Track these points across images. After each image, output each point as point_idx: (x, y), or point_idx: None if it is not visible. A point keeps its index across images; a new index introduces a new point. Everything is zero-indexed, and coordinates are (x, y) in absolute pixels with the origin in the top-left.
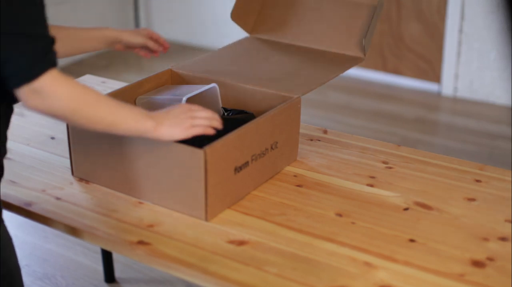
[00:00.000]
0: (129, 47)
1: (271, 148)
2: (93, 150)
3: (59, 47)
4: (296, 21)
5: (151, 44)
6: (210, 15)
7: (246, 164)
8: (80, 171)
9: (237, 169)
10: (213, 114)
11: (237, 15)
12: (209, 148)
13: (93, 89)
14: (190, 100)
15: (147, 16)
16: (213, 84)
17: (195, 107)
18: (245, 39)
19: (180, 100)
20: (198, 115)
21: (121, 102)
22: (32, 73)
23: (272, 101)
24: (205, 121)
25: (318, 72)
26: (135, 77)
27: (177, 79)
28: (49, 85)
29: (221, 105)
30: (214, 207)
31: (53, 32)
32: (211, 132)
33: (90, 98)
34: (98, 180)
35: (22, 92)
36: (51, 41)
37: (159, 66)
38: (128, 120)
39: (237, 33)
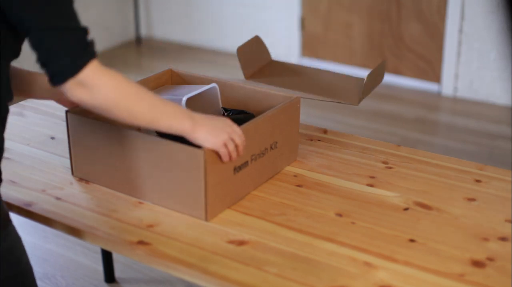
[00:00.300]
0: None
1: (271, 148)
2: (93, 150)
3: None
4: (296, 79)
5: None
6: (210, 15)
7: (245, 164)
8: (80, 171)
9: (237, 169)
10: (243, 141)
11: (242, 54)
12: (208, 148)
13: (135, 82)
14: (190, 100)
15: (147, 16)
16: (213, 84)
17: (236, 128)
18: (241, 80)
19: (180, 100)
20: (235, 137)
21: (165, 99)
22: (76, 66)
23: (272, 101)
24: (239, 139)
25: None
26: (135, 77)
27: (176, 79)
28: (93, 76)
29: (221, 105)
30: (214, 207)
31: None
32: (233, 159)
33: (133, 91)
34: (98, 180)
35: (68, 86)
36: (86, 32)
37: (159, 66)
38: (168, 117)
39: (237, 34)
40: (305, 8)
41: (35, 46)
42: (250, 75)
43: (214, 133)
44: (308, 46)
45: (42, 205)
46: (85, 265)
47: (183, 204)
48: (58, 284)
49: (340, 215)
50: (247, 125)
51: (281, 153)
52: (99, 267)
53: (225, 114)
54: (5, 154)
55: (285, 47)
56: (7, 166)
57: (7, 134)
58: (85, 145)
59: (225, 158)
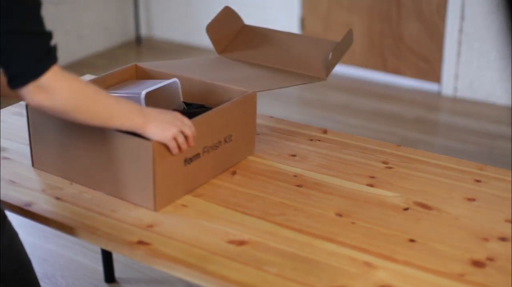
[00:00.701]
0: None
1: (225, 141)
2: (51, 142)
3: None
4: (265, 48)
5: None
6: (210, 15)
7: (197, 156)
8: (40, 162)
9: (188, 161)
10: (194, 133)
11: (213, 31)
12: (157, 140)
13: (92, 84)
14: (150, 95)
15: (147, 16)
16: (174, 79)
17: (186, 120)
18: (214, 56)
19: (139, 95)
20: (185, 129)
21: (119, 98)
22: (38, 70)
23: (232, 95)
24: (189, 133)
25: (279, 80)
26: None
27: (142, 74)
28: (54, 80)
29: (181, 99)
30: (163, 198)
31: None
32: (183, 151)
33: (90, 93)
34: (56, 171)
35: (28, 90)
36: (50, 37)
37: None
38: (121, 116)
39: None
40: (305, 8)
41: None
42: (222, 50)
43: (163, 128)
44: None
45: (42, 205)
46: (85, 265)
47: (134, 194)
48: (58, 284)
49: (340, 215)
50: (199, 118)
51: (237, 146)
52: (99, 267)
53: (185, 108)
54: (5, 154)
55: None
56: (7, 166)
57: (7, 134)
58: (43, 137)
59: (174, 150)
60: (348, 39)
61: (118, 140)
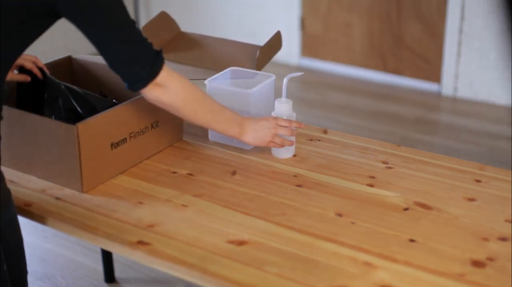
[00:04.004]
0: None
1: (152, 127)
2: None
3: None
4: (198, 51)
5: (28, 65)
6: (210, 15)
7: (123, 140)
8: None
9: (114, 145)
10: (291, 122)
11: (147, 34)
12: (81, 124)
13: (198, 86)
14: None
15: (147, 16)
16: (273, 75)
17: (281, 121)
18: None
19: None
20: (280, 132)
21: (221, 104)
22: (154, 71)
23: None
24: (286, 131)
25: (208, 74)
26: None
27: (77, 67)
28: (167, 78)
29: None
30: (90, 180)
31: None
32: (288, 143)
33: (198, 93)
34: (6, 162)
35: (148, 89)
36: (152, 44)
37: None
38: (222, 121)
39: (237, 34)
40: (305, 8)
41: (109, 57)
42: None
43: (257, 137)
44: (308, 46)
45: (42, 205)
46: (85, 265)
47: (62, 178)
48: (58, 284)
49: (340, 215)
50: (125, 103)
51: (164, 132)
52: (99, 267)
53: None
54: None
55: (285, 47)
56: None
57: None
58: None
59: (277, 147)
60: (276, 41)
61: (46, 125)
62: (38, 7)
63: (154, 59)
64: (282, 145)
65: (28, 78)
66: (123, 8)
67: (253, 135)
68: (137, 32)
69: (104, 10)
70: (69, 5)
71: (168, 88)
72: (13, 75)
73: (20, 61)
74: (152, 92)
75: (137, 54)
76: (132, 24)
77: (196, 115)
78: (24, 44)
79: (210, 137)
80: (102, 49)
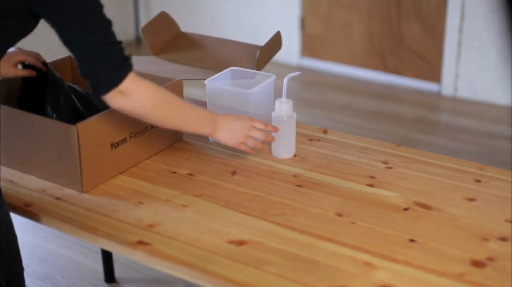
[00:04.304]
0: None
1: (152, 127)
2: None
3: None
4: (198, 51)
5: (31, 60)
6: (210, 15)
7: (123, 140)
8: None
9: (114, 145)
10: (267, 125)
11: (148, 34)
12: (81, 124)
13: (168, 91)
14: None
15: (147, 16)
16: (273, 75)
17: (256, 123)
18: (150, 57)
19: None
20: (253, 134)
21: (193, 105)
22: (118, 77)
23: (158, 84)
24: (259, 134)
25: (208, 74)
26: None
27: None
28: (132, 86)
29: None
30: (90, 180)
31: None
32: (259, 147)
33: (166, 99)
34: (6, 163)
35: (110, 95)
36: (123, 49)
37: None
38: (192, 123)
39: (237, 34)
40: (305, 8)
41: (78, 58)
42: (158, 52)
43: (231, 136)
44: (308, 46)
45: (42, 205)
46: (85, 265)
47: (62, 177)
48: (58, 284)
49: (340, 215)
50: None
51: (164, 132)
52: (99, 267)
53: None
54: None
55: (285, 47)
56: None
57: None
58: None
59: (248, 151)
60: (276, 41)
61: (46, 125)
62: (12, 4)
63: (120, 65)
64: (252, 150)
65: (33, 73)
66: (98, 9)
67: (226, 133)
68: (109, 35)
69: (77, 9)
70: (43, 2)
71: (132, 97)
72: (17, 70)
73: (22, 56)
74: (115, 99)
75: (105, 59)
76: (105, 26)
77: (163, 121)
78: (8, 43)
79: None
80: (73, 50)
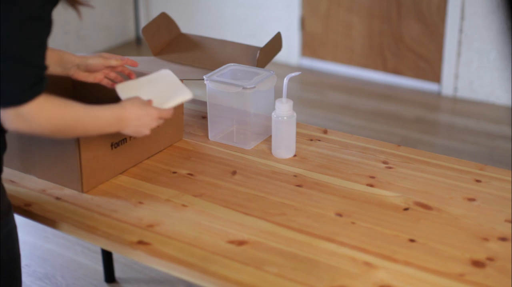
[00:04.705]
0: (89, 70)
1: None
2: None
3: None
4: (198, 52)
5: (114, 62)
6: (210, 15)
7: (123, 140)
8: None
9: (114, 145)
10: (162, 112)
11: (148, 34)
12: None
13: (75, 106)
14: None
15: (147, 16)
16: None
17: (164, 113)
18: (149, 57)
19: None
20: (158, 123)
21: (98, 111)
22: (22, 99)
23: None
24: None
25: (209, 73)
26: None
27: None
28: (33, 111)
29: None
30: (90, 180)
31: None
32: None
33: (68, 121)
34: (6, 163)
35: (7, 113)
36: (44, 69)
37: None
38: (97, 129)
39: (237, 34)
40: (305, 8)
41: None
42: (158, 52)
43: (137, 131)
44: (308, 46)
45: (42, 205)
46: (85, 265)
47: (62, 178)
48: (58, 284)
49: (340, 215)
50: None
51: (164, 132)
52: (99, 267)
53: None
54: None
55: (285, 47)
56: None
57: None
58: None
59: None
60: (276, 42)
61: None
62: None
63: (31, 86)
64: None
65: (110, 84)
66: (29, 16)
67: (133, 129)
68: (34, 49)
69: (5, 14)
70: None
71: (31, 122)
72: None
73: (98, 60)
74: (11, 122)
75: (14, 73)
76: (34, 38)
77: (69, 136)
78: None
79: (210, 137)
80: None
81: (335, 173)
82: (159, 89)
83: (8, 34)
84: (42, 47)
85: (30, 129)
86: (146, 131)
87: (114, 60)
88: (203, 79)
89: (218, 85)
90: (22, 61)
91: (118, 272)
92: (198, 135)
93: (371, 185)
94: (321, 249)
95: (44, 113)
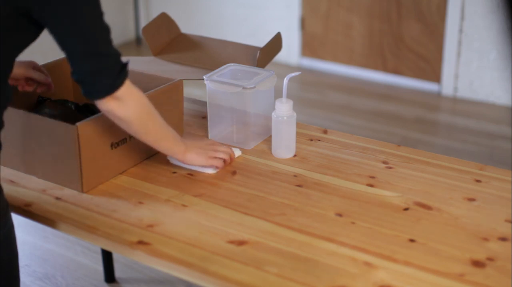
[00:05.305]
0: (12, 78)
1: None
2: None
3: None
4: (198, 52)
5: (36, 75)
6: (210, 15)
7: (123, 140)
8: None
9: (114, 145)
10: (229, 149)
11: (148, 34)
12: (81, 124)
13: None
14: None
15: (147, 16)
16: (272, 71)
17: (219, 147)
18: (149, 57)
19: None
20: (219, 149)
21: (166, 123)
22: (115, 85)
23: (158, 83)
24: (224, 154)
25: (209, 73)
26: None
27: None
28: (126, 93)
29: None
30: (90, 180)
31: None
32: (227, 163)
33: (152, 111)
34: (6, 162)
35: (107, 101)
36: (120, 55)
37: None
38: (170, 139)
39: (237, 34)
40: (305, 8)
41: (74, 66)
42: (158, 52)
43: (200, 153)
44: (308, 46)
45: (42, 205)
46: (85, 265)
47: (62, 178)
48: (58, 284)
49: (340, 215)
50: None
51: None
52: (99, 267)
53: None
54: None
55: (285, 47)
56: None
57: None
58: None
59: (221, 164)
60: (276, 42)
61: (46, 125)
62: (9, 7)
63: (118, 73)
64: (222, 166)
65: (33, 88)
66: (96, 16)
67: (196, 151)
68: (107, 45)
69: (75, 18)
70: (40, 9)
71: (125, 103)
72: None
73: (19, 70)
74: (108, 105)
75: (103, 67)
76: (103, 35)
77: (146, 132)
78: (12, 52)
79: (210, 137)
80: (69, 59)
81: (335, 173)
82: None
83: (91, 32)
84: (110, 37)
85: (124, 111)
86: (211, 152)
87: (38, 75)
88: (203, 79)
89: (218, 85)
90: (106, 55)
91: (118, 272)
92: (198, 135)
93: (371, 185)
94: (321, 249)
95: (134, 94)
